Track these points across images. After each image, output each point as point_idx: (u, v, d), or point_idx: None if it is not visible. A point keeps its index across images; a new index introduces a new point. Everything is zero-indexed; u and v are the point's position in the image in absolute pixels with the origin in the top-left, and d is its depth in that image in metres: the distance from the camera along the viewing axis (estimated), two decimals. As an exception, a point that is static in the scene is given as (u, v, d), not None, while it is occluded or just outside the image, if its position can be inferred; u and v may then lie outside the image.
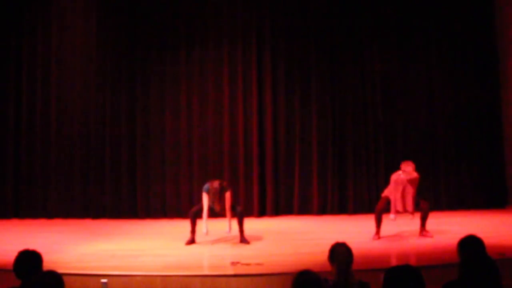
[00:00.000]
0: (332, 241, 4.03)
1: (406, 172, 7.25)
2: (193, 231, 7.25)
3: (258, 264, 6.00)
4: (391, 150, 10.10)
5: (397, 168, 7.44)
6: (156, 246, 7.35)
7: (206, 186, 7.18)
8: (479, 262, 3.13)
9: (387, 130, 10.20)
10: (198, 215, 7.25)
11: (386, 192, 7.43)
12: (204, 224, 7.11)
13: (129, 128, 10.22)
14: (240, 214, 7.25)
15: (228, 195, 7.14)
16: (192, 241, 7.25)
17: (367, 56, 10.27)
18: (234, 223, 7.19)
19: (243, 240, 7.23)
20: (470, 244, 3.88)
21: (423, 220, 7.39)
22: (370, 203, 9.93)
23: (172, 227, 8.98)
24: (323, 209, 10.00)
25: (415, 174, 7.30)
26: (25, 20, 10.41)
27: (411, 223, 7.34)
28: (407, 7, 10.27)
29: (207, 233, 7.09)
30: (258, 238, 7.58)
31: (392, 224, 7.34)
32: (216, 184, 7.12)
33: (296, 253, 6.71)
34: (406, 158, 9.96)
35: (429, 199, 9.95)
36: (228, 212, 7.16)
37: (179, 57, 10.28)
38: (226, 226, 7.17)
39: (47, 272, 3.29)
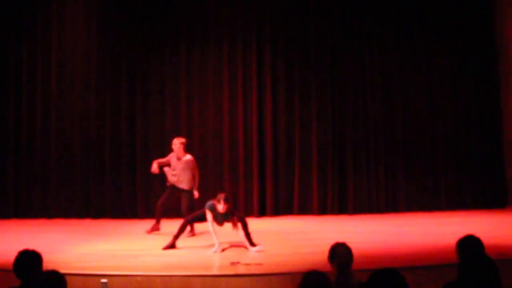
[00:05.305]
0: (332, 241, 4.03)
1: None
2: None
3: (258, 264, 6.00)
4: (391, 150, 10.11)
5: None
6: (156, 246, 7.32)
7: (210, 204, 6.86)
8: (478, 263, 3.13)
9: (387, 130, 10.20)
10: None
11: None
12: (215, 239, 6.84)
13: (129, 128, 10.22)
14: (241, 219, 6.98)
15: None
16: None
17: (367, 56, 10.28)
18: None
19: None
20: (469, 245, 3.88)
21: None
22: (370, 203, 9.96)
23: (172, 227, 8.95)
24: (323, 209, 10.00)
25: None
26: (25, 20, 10.41)
27: (412, 223, 7.33)
28: (407, 7, 10.28)
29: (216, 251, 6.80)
30: (258, 238, 7.57)
31: (392, 224, 7.32)
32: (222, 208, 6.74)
33: (296, 253, 6.71)
34: (405, 157, 10.14)
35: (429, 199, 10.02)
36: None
37: (179, 57, 10.29)
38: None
39: (49, 271, 3.29)
